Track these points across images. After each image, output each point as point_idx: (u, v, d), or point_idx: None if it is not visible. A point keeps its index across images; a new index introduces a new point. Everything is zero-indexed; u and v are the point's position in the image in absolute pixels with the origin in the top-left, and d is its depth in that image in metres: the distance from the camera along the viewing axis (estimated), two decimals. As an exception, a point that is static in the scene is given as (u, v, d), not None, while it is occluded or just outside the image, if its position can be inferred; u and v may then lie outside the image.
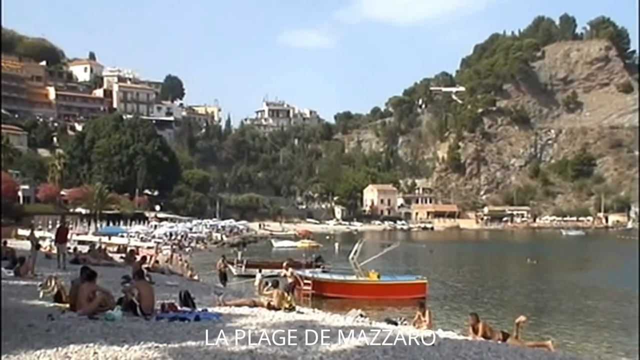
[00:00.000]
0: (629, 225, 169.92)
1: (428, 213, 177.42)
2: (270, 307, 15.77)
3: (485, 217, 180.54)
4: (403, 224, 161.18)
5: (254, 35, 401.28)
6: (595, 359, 11.80)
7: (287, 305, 16.10)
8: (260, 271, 33.59)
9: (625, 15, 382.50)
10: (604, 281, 44.90)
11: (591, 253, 75.99)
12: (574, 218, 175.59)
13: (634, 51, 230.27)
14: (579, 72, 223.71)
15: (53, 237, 34.79)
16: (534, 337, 22.09)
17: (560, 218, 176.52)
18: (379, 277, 33.89)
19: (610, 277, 48.02)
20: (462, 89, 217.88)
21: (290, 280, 27.10)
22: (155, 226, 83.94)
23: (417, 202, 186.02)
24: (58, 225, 31.07)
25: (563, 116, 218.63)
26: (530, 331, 24.47)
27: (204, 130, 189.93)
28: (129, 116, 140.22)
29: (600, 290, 39.75)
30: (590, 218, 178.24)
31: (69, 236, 32.07)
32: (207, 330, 11.20)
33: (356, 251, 34.17)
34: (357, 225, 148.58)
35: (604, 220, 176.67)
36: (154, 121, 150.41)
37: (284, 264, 32.49)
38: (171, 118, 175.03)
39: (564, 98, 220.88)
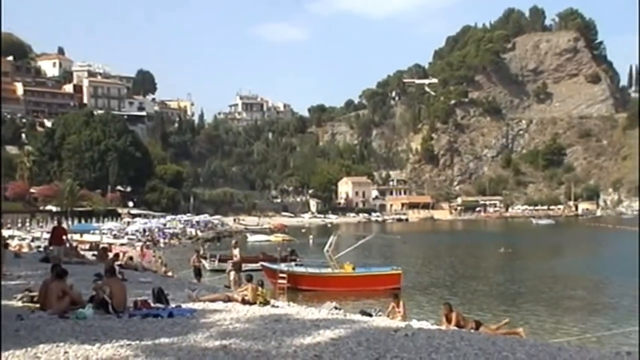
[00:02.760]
0: (598, 212, 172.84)
1: (402, 204, 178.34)
2: (244, 301, 15.70)
3: (458, 208, 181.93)
4: (378, 216, 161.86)
5: (226, 29, 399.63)
6: (565, 345, 11.92)
7: (261, 300, 16.05)
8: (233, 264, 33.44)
9: (593, 6, 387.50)
10: (575, 269, 45.56)
11: (562, 241, 76.98)
12: (545, 207, 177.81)
13: (601, 42, 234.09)
14: (548, 63, 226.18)
15: (46, 236, 34.04)
16: (506, 324, 22.34)
17: (531, 207, 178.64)
18: (354, 269, 34.04)
19: (581, 265, 48.76)
20: (434, 80, 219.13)
21: (236, 259, 26.89)
22: (129, 223, 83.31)
23: (391, 193, 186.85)
24: (53, 225, 30.49)
25: (533, 107, 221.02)
26: (503, 319, 24.76)
27: (176, 125, 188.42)
28: (100, 111, 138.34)
29: (571, 277, 40.32)
30: (561, 206, 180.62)
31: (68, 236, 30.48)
32: (180, 327, 11.11)
33: (331, 244, 34.28)
34: (332, 218, 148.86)
35: (574, 209, 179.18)
36: (125, 116, 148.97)
37: (232, 242, 32.47)
38: (143, 113, 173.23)
39: (534, 89, 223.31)
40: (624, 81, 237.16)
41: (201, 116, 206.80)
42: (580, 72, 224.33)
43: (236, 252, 28.55)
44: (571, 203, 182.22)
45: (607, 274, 41.67)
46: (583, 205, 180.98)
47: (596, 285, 36.81)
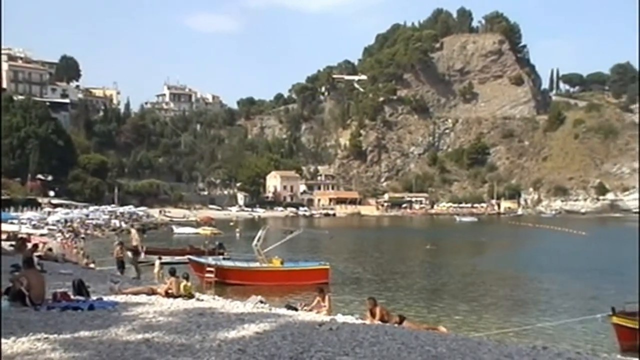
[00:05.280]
0: (519, 211, 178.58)
1: (330, 200, 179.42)
2: (168, 294, 15.49)
3: (385, 204, 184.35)
4: (305, 211, 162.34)
5: (155, 17, 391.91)
6: (485, 340, 12.25)
7: (185, 293, 15.86)
8: (159, 258, 33.01)
9: (517, 11, 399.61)
10: (496, 265, 46.88)
11: (485, 238, 79.11)
12: (469, 205, 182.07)
13: (524, 46, 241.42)
14: (474, 64, 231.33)
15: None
16: (431, 319, 22.86)
17: (456, 205, 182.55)
18: (282, 263, 34.07)
19: (502, 262, 50.22)
20: (364, 77, 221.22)
21: (135, 243, 26.54)
22: (49, 212, 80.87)
23: (319, 188, 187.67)
24: None
25: (460, 106, 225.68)
26: (427, 314, 25.31)
27: (101, 114, 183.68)
28: (20, 97, 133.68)
29: (492, 274, 41.46)
30: (484, 205, 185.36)
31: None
32: (101, 320, 10.86)
33: (259, 238, 34.19)
34: (260, 212, 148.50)
35: (496, 207, 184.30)
36: (47, 103, 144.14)
37: (132, 226, 32.14)
38: (67, 100, 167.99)
39: (461, 89, 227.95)
40: (545, 84, 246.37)
41: (127, 105, 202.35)
42: (505, 74, 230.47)
43: (135, 237, 28.02)
44: (494, 201, 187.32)
45: (527, 270, 43.13)
46: (505, 204, 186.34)
47: (516, 282, 38.01)
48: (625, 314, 19.68)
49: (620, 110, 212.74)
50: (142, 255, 40.36)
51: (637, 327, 19.03)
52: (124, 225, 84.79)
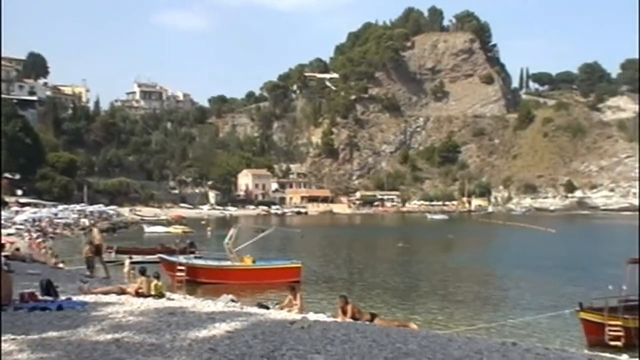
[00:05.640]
0: (490, 209, 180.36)
1: (302, 198, 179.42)
2: (138, 294, 15.36)
3: (357, 202, 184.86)
4: (277, 209, 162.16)
5: (125, 14, 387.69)
6: (455, 336, 12.35)
7: (156, 292, 15.75)
8: (130, 258, 32.73)
9: (488, 10, 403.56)
10: (467, 262, 47.33)
11: (456, 236, 79.73)
12: (440, 202, 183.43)
13: (494, 45, 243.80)
14: (445, 63, 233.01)
15: None
16: (402, 317, 23.00)
17: (427, 202, 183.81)
18: (253, 262, 34.02)
19: (473, 259, 50.71)
20: (335, 75, 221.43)
21: (97, 242, 26.29)
22: (17, 212, 79.66)
23: (291, 186, 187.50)
24: None
25: (431, 104, 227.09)
26: (398, 311, 25.46)
27: (70, 112, 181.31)
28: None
29: (463, 271, 41.86)
30: (455, 202, 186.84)
31: None
32: (70, 320, 10.73)
33: (231, 236, 34.07)
34: (232, 210, 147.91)
35: (467, 205, 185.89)
36: (15, 100, 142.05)
37: (94, 225, 31.81)
38: (34, 98, 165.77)
39: (432, 87, 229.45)
40: (515, 83, 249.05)
41: (97, 103, 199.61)
42: (475, 72, 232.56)
43: (97, 236, 27.65)
44: (465, 199, 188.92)
45: (496, 267, 43.60)
46: (476, 202, 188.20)
47: (486, 279, 38.41)
48: (592, 310, 20.02)
49: (588, 109, 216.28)
50: (112, 254, 40.14)
51: (603, 321, 19.39)
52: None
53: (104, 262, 24.57)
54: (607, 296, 19.82)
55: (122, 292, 15.63)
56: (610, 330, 19.22)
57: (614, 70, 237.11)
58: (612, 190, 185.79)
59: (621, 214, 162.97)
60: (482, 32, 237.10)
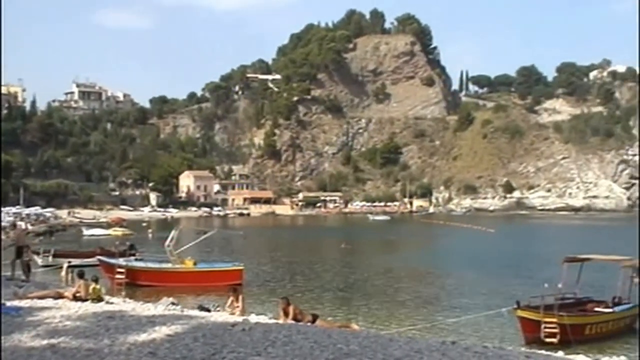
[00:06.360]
0: (431, 209, 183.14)
1: (244, 199, 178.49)
2: (76, 298, 15.05)
3: (300, 203, 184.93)
4: (219, 211, 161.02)
5: (62, 12, 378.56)
6: (396, 336, 12.52)
7: (94, 296, 15.45)
8: (69, 261, 32.00)
9: (428, 13, 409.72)
10: (408, 263, 47.88)
11: (397, 236, 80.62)
12: (382, 203, 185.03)
13: (435, 47, 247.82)
14: (387, 65, 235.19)
15: None
16: (343, 318, 23.14)
17: (369, 203, 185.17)
18: (195, 264, 33.63)
19: (414, 259, 51.34)
20: (278, 77, 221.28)
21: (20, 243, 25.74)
22: (-52, 215, 76.86)
23: (233, 188, 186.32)
24: None
25: (373, 106, 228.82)
26: (340, 312, 25.58)
27: (5, 111, 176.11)
28: None
29: (404, 271, 42.32)
30: (397, 203, 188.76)
31: None
32: (4, 326, 10.43)
33: (172, 238, 33.61)
34: (173, 212, 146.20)
35: (408, 206, 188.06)
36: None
37: (14, 225, 31.15)
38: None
39: (374, 89, 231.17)
40: (455, 85, 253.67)
41: (33, 103, 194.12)
42: (416, 74, 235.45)
43: (11, 235, 27.03)
44: (406, 200, 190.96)
45: (437, 267, 44.23)
46: (417, 202, 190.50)
47: (427, 279, 38.90)
48: (528, 308, 20.53)
49: (525, 111, 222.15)
50: (49, 258, 39.17)
51: (539, 319, 19.92)
52: (30, 227, 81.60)
53: (27, 263, 23.81)
54: (543, 294, 20.32)
55: (59, 296, 15.30)
56: (546, 328, 19.72)
57: (550, 74, 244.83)
58: (548, 190, 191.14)
59: (557, 213, 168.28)
60: (422, 35, 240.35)
